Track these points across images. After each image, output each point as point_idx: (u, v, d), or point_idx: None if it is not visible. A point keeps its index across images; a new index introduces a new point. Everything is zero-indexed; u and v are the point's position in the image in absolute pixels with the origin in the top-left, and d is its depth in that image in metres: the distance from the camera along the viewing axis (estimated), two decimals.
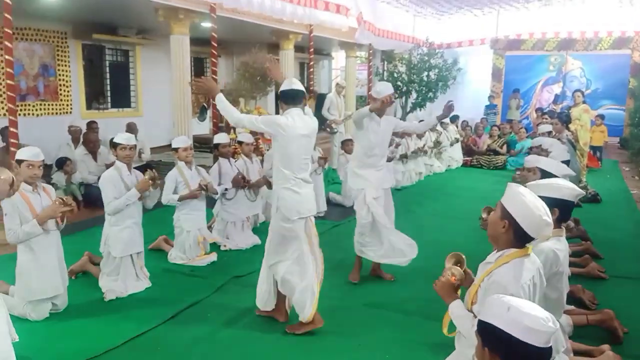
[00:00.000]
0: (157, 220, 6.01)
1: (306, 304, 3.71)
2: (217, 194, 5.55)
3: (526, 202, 2.22)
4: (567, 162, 4.58)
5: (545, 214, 2.22)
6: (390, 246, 4.62)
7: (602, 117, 12.81)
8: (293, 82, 3.83)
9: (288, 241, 3.80)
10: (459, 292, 2.49)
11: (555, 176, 3.70)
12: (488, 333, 1.64)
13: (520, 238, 2.27)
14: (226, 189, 5.80)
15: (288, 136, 3.67)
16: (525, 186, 2.52)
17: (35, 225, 3.77)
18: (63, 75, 9.77)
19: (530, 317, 1.57)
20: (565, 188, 3.07)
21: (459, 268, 2.52)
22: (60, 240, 4.08)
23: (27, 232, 3.76)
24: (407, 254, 4.60)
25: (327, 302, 4.29)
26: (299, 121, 3.73)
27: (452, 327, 2.45)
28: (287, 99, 3.80)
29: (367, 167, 4.69)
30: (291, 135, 3.68)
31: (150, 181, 4.47)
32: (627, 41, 15.41)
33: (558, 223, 3.08)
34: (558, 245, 2.99)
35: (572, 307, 3.88)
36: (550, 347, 1.59)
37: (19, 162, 3.84)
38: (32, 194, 3.87)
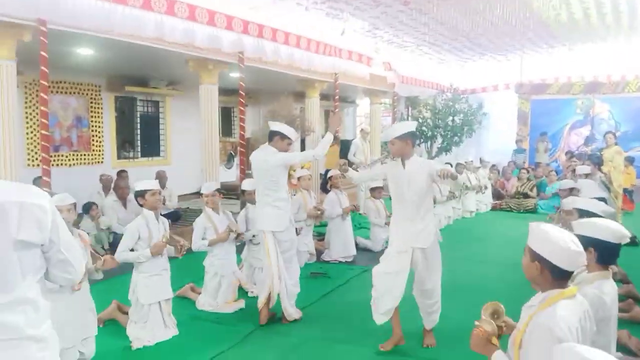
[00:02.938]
0: (184, 267, 5.98)
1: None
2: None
3: (549, 237, 2.18)
4: (602, 199, 4.42)
5: (572, 242, 2.17)
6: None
7: (631, 159, 12.52)
8: (269, 125, 4.83)
9: None
10: (498, 342, 2.37)
11: (595, 215, 3.57)
12: None
13: (557, 275, 2.18)
14: (254, 235, 5.76)
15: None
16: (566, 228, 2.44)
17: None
18: (96, 126, 10.05)
19: None
20: (603, 227, 2.92)
21: (490, 320, 2.42)
22: (88, 288, 4.05)
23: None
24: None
25: (353, 348, 4.16)
26: (257, 156, 4.74)
27: None
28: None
29: (398, 219, 4.20)
30: (252, 167, 4.84)
31: (165, 244, 4.45)
32: None
33: (600, 265, 2.93)
34: (603, 288, 2.83)
35: (620, 354, 3.66)
36: None
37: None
38: None
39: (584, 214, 3.66)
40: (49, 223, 1.89)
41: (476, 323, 2.40)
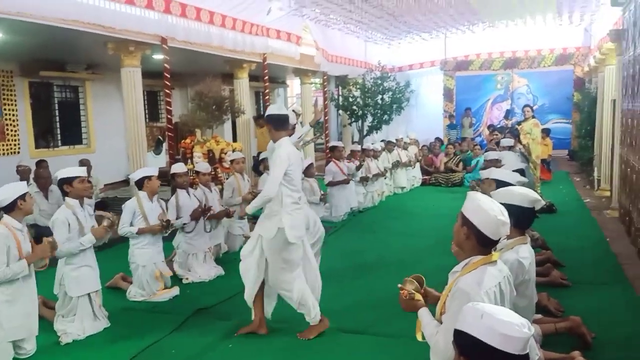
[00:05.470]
0: (114, 256, 5.78)
1: None
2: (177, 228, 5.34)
3: (480, 204, 2.30)
4: (520, 172, 4.66)
5: (500, 213, 2.29)
6: None
7: (547, 131, 13.28)
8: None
9: None
10: (422, 301, 2.54)
11: (510, 184, 3.76)
12: (464, 342, 1.60)
13: (482, 243, 2.30)
14: (184, 223, 5.62)
15: None
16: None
17: (24, 266, 3.66)
18: (9, 114, 9.44)
19: (505, 323, 1.54)
20: (517, 194, 3.12)
21: (411, 279, 2.59)
22: (35, 282, 3.91)
23: (15, 272, 3.62)
24: None
25: (291, 326, 4.19)
26: None
27: None
28: None
29: None
30: None
31: (108, 228, 4.30)
32: (569, 57, 16.12)
33: (518, 230, 3.10)
34: (522, 254, 3.00)
35: (540, 315, 3.90)
36: (527, 354, 1.55)
37: (21, 197, 3.76)
38: (19, 231, 3.76)
39: (500, 184, 3.86)
40: None
41: (399, 286, 2.57)
